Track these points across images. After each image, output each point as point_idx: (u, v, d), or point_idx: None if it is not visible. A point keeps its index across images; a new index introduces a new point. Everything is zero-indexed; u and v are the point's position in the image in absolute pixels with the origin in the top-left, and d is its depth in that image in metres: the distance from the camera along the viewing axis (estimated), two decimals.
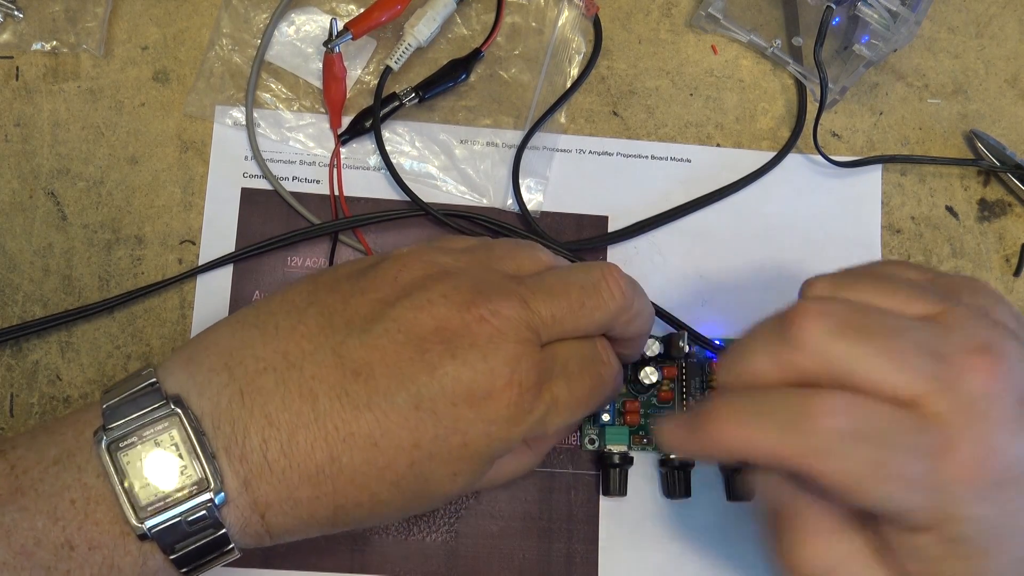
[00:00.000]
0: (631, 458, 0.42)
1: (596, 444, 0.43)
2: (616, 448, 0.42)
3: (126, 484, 0.31)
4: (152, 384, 0.33)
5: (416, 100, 0.45)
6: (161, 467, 0.31)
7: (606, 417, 0.42)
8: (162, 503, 0.31)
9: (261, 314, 0.35)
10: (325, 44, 0.44)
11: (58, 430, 0.33)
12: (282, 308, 0.34)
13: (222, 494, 0.31)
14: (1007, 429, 0.29)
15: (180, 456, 0.31)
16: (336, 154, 0.45)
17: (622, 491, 0.42)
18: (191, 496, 0.31)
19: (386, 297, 0.34)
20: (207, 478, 0.31)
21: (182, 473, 0.31)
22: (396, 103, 0.45)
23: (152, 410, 0.32)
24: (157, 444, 0.32)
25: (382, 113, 0.45)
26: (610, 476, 0.42)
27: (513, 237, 0.44)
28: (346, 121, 0.45)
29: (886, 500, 0.28)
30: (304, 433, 0.32)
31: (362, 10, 0.45)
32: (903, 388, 0.28)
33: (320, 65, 0.46)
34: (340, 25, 0.44)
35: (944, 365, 0.29)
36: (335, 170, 0.45)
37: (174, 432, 0.32)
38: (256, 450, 0.32)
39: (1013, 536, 0.30)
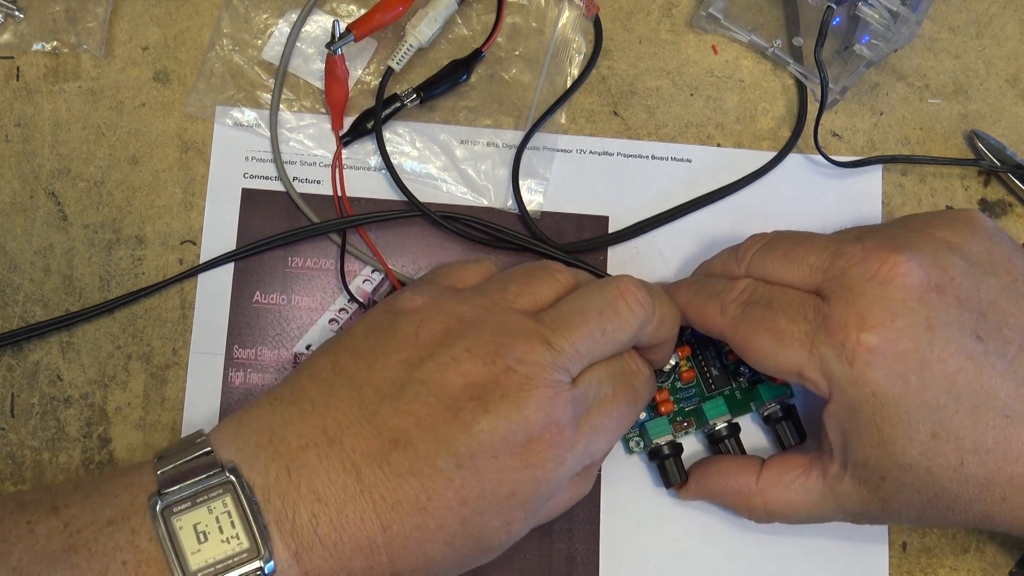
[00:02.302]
0: (679, 444, 0.43)
1: (642, 444, 0.43)
2: (662, 440, 0.42)
3: (178, 549, 0.32)
4: (207, 453, 0.33)
5: (417, 101, 0.45)
6: (213, 534, 0.32)
7: (642, 415, 0.42)
8: (212, 569, 0.32)
9: (295, 390, 0.35)
10: (328, 46, 0.43)
11: (112, 491, 0.33)
12: (312, 383, 0.35)
13: (271, 563, 0.32)
14: (890, 311, 0.34)
15: (232, 524, 0.32)
16: (338, 156, 0.45)
17: (682, 477, 0.42)
18: (241, 563, 0.32)
19: (410, 358, 0.34)
20: (257, 547, 0.32)
21: (233, 541, 0.32)
22: (397, 104, 0.45)
23: (207, 477, 0.33)
24: (210, 511, 0.32)
25: (383, 114, 0.45)
26: (666, 468, 0.42)
27: (519, 240, 0.44)
28: (347, 122, 0.45)
29: (768, 352, 0.36)
30: (352, 506, 0.32)
31: (363, 11, 0.45)
32: (798, 281, 0.37)
33: (320, 65, 0.46)
34: (342, 27, 0.44)
35: (842, 260, 0.36)
36: (337, 171, 0.45)
37: (227, 499, 0.32)
38: (306, 525, 0.32)
39: (917, 415, 0.34)
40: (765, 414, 0.43)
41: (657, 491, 0.43)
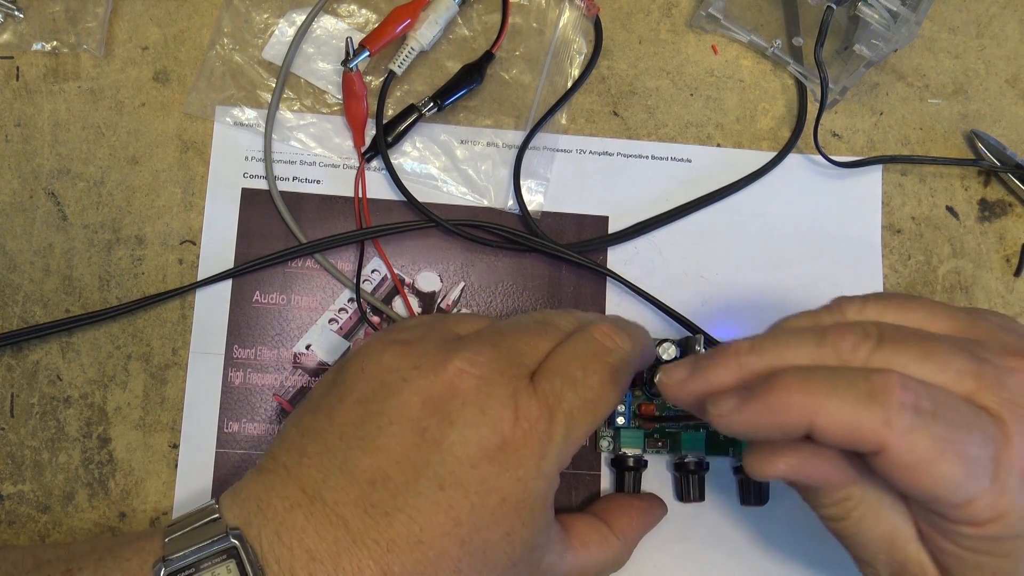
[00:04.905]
0: (645, 461, 0.42)
1: (611, 447, 0.43)
2: (631, 451, 0.42)
3: None
4: (215, 520, 0.33)
5: (435, 110, 0.45)
6: None
7: (621, 420, 0.42)
8: None
9: (270, 459, 0.35)
10: (343, 63, 0.43)
11: (124, 555, 0.33)
12: (282, 448, 0.35)
13: None
14: None
15: None
16: (361, 173, 0.45)
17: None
18: None
19: (363, 395, 0.34)
20: None
21: None
22: (415, 115, 0.44)
23: (211, 543, 0.33)
24: None
25: (403, 127, 0.44)
26: (624, 479, 0.42)
27: (524, 240, 0.44)
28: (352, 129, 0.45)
29: (951, 482, 0.28)
30: (348, 558, 0.32)
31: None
32: (951, 385, 0.29)
33: (321, 65, 0.46)
34: (356, 43, 0.43)
35: (986, 366, 0.29)
36: (360, 186, 0.44)
37: (231, 565, 0.32)
38: None
39: None
40: (738, 464, 0.42)
41: (657, 492, 0.43)
